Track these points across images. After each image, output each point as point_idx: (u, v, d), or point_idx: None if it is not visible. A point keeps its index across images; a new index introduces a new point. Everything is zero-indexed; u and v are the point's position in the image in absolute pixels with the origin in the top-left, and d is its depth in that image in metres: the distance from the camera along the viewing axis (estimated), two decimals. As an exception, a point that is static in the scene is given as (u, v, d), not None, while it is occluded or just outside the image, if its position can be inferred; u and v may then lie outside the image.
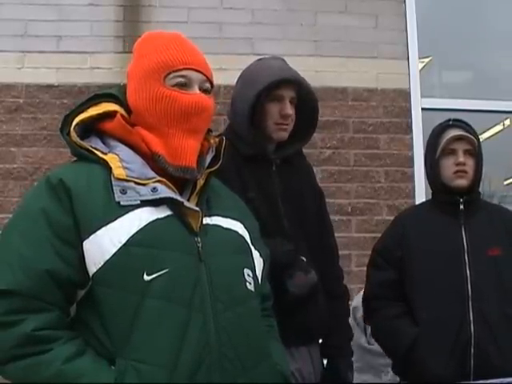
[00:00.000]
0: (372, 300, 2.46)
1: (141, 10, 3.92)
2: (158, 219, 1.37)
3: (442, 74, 4.58)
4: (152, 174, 1.42)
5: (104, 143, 1.47)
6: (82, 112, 1.46)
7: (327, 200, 2.37)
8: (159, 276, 1.32)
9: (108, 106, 1.48)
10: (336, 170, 3.89)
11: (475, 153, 2.41)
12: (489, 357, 2.22)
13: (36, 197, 1.40)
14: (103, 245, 1.32)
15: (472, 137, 2.40)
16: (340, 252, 2.33)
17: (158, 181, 1.41)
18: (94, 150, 1.43)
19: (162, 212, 1.39)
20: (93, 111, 1.46)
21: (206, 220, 1.46)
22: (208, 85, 1.52)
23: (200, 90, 1.49)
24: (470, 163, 2.40)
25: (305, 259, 2.04)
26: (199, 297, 1.35)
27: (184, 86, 1.47)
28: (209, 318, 1.35)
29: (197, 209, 1.43)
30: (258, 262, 1.57)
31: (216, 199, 1.54)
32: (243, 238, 1.54)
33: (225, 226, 1.50)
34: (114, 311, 1.31)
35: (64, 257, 1.33)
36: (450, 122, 2.47)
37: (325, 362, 2.18)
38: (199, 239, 1.41)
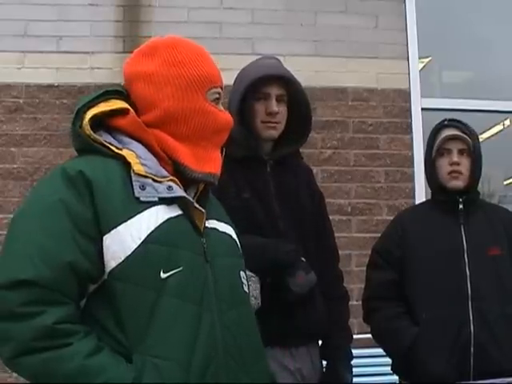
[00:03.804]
0: (372, 300, 2.47)
1: (141, 10, 3.91)
2: (171, 218, 1.38)
3: (442, 74, 4.58)
4: (165, 172, 1.43)
5: (114, 139, 1.45)
6: (93, 106, 1.44)
7: (327, 200, 2.37)
8: (174, 274, 1.34)
9: (119, 103, 1.46)
10: (336, 170, 3.89)
11: (470, 152, 2.41)
12: (489, 356, 2.22)
13: (52, 188, 1.37)
14: (125, 240, 1.32)
15: (466, 136, 2.40)
16: (340, 252, 2.33)
17: (171, 180, 1.42)
18: (108, 145, 1.42)
19: (174, 211, 1.40)
20: (105, 107, 1.44)
21: (206, 223, 1.49)
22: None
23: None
24: (465, 163, 2.40)
25: (304, 259, 2.04)
26: (207, 296, 1.38)
27: (217, 102, 1.53)
28: (215, 316, 1.38)
29: (203, 210, 1.45)
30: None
31: (208, 203, 1.56)
32: (235, 241, 1.58)
33: (220, 229, 1.54)
34: (131, 307, 1.31)
35: (84, 250, 1.31)
36: (446, 122, 2.48)
37: (324, 363, 2.19)
38: (204, 240, 1.44)
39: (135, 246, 1.32)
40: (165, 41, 1.56)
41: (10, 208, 3.52)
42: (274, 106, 2.06)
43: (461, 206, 2.40)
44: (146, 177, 1.38)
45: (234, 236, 1.58)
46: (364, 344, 3.08)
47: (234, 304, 1.43)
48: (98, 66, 3.80)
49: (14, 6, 3.81)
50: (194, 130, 1.48)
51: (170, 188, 1.39)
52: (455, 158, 2.40)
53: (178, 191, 1.41)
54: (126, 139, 1.44)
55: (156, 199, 1.37)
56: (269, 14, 3.98)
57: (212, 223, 1.51)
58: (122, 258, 1.31)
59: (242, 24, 3.94)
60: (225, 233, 1.54)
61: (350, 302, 2.31)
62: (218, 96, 1.52)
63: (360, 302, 2.56)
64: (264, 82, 2.06)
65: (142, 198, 1.36)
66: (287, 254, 2.01)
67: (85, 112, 1.42)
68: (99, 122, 1.44)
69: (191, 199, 1.44)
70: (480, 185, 2.51)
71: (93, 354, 1.27)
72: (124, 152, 1.41)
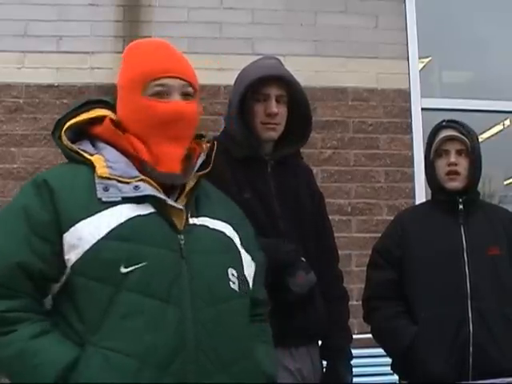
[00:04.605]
0: (372, 300, 2.47)
1: (141, 10, 3.91)
2: (139, 215, 1.42)
3: (442, 74, 4.58)
4: (136, 173, 1.47)
5: (94, 146, 1.53)
6: (75, 117, 1.53)
7: (327, 200, 2.37)
8: (136, 269, 1.37)
9: (99, 111, 1.55)
10: (336, 170, 3.89)
11: (468, 153, 2.42)
12: (488, 356, 2.23)
13: (22, 195, 1.47)
14: (82, 237, 1.37)
15: (463, 137, 2.41)
16: (340, 252, 2.33)
17: (142, 180, 1.45)
18: (81, 152, 1.49)
19: (145, 209, 1.43)
20: (85, 116, 1.53)
21: (194, 220, 1.50)
22: (190, 89, 1.55)
23: (182, 95, 1.53)
24: (462, 163, 2.41)
25: (304, 259, 2.04)
26: (177, 292, 1.39)
27: (164, 94, 1.52)
28: (187, 313, 1.38)
29: (180, 207, 1.47)
30: (248, 265, 1.60)
31: (206, 202, 1.58)
32: (230, 238, 1.57)
33: (211, 226, 1.54)
34: (89, 300, 1.36)
35: (38, 251, 1.39)
36: (444, 123, 2.49)
37: (324, 363, 2.19)
38: (182, 237, 1.45)
39: (94, 242, 1.37)
40: (127, 48, 1.62)
41: (10, 208, 3.52)
42: (274, 107, 2.06)
43: (461, 207, 2.41)
44: (109, 179, 1.43)
45: (229, 233, 1.57)
46: (364, 344, 3.08)
47: (214, 301, 1.43)
48: (98, 65, 3.80)
49: (14, 5, 3.81)
50: (141, 127, 1.51)
51: (136, 187, 1.43)
52: (453, 159, 2.41)
53: (147, 190, 1.44)
54: (102, 145, 1.52)
55: (119, 199, 1.41)
56: (269, 13, 3.98)
57: (202, 220, 1.52)
58: (81, 254, 1.37)
59: (242, 24, 3.94)
60: (216, 230, 1.54)
61: (350, 302, 2.31)
62: (161, 88, 1.51)
63: (360, 302, 2.56)
64: (263, 83, 2.05)
65: (103, 199, 1.41)
66: (287, 253, 2.01)
67: (65, 123, 1.51)
68: (84, 131, 1.54)
69: (163, 196, 1.45)
70: (480, 185, 2.52)
71: (35, 338, 1.33)
72: (94, 157, 1.48)
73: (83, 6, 3.86)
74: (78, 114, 1.53)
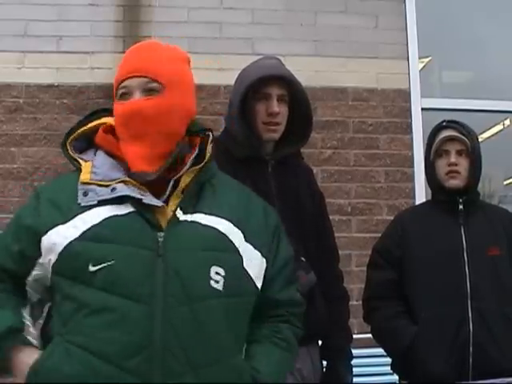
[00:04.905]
0: (372, 300, 2.47)
1: (141, 10, 3.91)
2: (116, 215, 1.45)
3: (442, 74, 4.58)
4: (119, 175, 1.50)
5: (95, 154, 1.58)
6: (84, 126, 1.61)
7: (327, 200, 2.37)
8: (103, 267, 1.40)
9: (101, 120, 1.61)
10: (336, 170, 3.89)
11: (469, 153, 2.42)
12: (488, 356, 2.23)
13: (24, 204, 1.58)
14: (57, 240, 1.45)
15: (464, 137, 2.42)
16: (340, 252, 2.33)
17: (123, 181, 1.49)
18: (79, 160, 1.57)
19: (123, 209, 1.46)
20: (87, 126, 1.60)
21: (186, 217, 1.49)
22: (154, 85, 1.53)
23: (144, 92, 1.53)
24: (463, 163, 2.42)
25: (304, 259, 2.04)
26: (148, 290, 1.39)
27: (126, 95, 1.55)
28: (157, 312, 1.37)
29: (159, 204, 1.46)
30: (253, 262, 1.53)
31: (209, 196, 1.55)
32: (224, 235, 1.50)
33: (204, 222, 1.50)
34: (64, 298, 1.43)
35: (11, 253, 1.50)
36: (444, 123, 2.50)
37: (324, 363, 2.18)
38: (162, 234, 1.44)
39: (67, 243, 1.43)
40: None
41: (10, 208, 3.52)
42: (275, 107, 2.06)
43: (461, 207, 2.41)
44: (90, 184, 1.50)
45: (225, 229, 1.50)
46: (364, 344, 3.08)
47: (189, 301, 1.40)
48: (98, 66, 3.80)
49: (14, 5, 3.81)
50: (117, 131, 1.56)
51: (113, 189, 1.47)
52: (453, 159, 2.41)
53: (123, 191, 1.46)
54: (99, 152, 1.58)
55: (95, 202, 1.46)
56: (269, 13, 3.99)
57: (195, 217, 1.49)
58: (57, 255, 1.45)
59: (242, 24, 3.94)
60: (208, 226, 1.49)
61: (350, 302, 2.32)
62: (124, 90, 1.55)
63: (360, 302, 2.56)
64: (265, 83, 2.05)
65: (82, 204, 1.48)
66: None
67: (73, 133, 1.60)
68: (91, 140, 1.61)
69: (138, 196, 1.46)
70: (480, 185, 2.52)
71: None
72: (85, 164, 1.55)
73: (83, 5, 3.87)
74: (85, 124, 1.61)
